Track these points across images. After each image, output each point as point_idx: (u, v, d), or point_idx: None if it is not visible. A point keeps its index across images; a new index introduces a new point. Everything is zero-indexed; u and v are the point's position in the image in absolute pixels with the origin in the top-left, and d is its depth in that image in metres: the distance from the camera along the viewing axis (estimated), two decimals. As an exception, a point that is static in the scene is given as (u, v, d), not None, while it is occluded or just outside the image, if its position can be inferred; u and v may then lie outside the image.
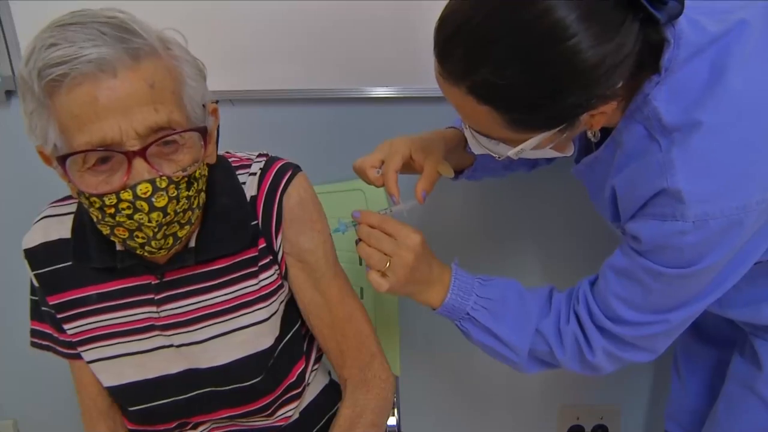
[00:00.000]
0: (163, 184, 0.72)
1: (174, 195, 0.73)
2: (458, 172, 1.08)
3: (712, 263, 0.74)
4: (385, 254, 0.85)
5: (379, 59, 1.24)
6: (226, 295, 0.87)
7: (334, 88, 1.28)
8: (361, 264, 1.18)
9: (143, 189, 0.71)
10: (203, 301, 0.87)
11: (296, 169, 0.91)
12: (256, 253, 0.87)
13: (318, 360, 1.04)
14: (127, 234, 0.75)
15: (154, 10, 1.16)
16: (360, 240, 0.88)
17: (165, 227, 0.75)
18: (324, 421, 1.04)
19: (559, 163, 1.10)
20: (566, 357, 0.89)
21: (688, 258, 0.74)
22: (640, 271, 0.79)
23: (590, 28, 0.64)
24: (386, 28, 1.21)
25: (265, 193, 0.87)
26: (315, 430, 1.03)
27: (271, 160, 0.90)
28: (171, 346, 0.88)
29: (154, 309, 0.87)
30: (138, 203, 0.71)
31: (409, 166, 0.96)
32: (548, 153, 0.81)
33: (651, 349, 0.86)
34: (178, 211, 0.75)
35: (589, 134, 0.86)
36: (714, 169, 0.71)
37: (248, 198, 0.87)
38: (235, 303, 0.88)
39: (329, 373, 1.09)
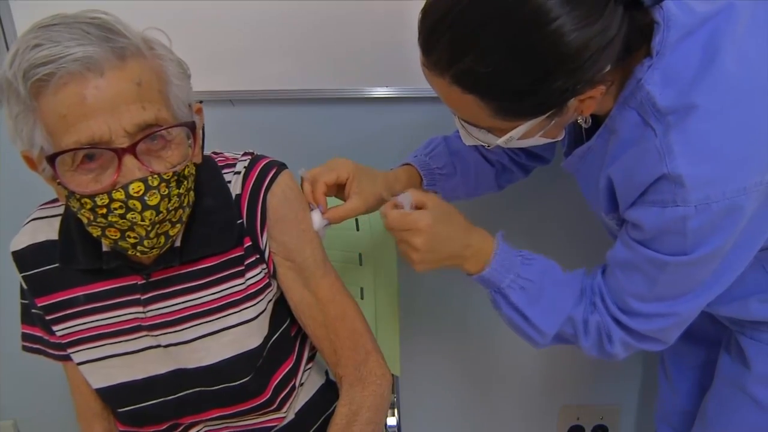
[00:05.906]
0: (155, 182, 0.72)
1: (165, 193, 0.73)
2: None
3: (715, 248, 0.74)
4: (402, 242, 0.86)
5: (378, 59, 1.24)
6: (212, 294, 0.87)
7: (333, 88, 1.28)
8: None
9: (135, 188, 0.71)
10: (190, 300, 0.87)
11: (281, 167, 0.90)
12: (242, 252, 0.87)
13: (311, 359, 1.04)
14: (118, 235, 0.74)
15: (154, 10, 1.17)
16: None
17: (158, 226, 0.75)
18: (321, 420, 1.04)
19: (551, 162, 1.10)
20: (589, 344, 0.89)
21: (690, 243, 0.74)
22: (643, 261, 0.79)
23: (573, 12, 0.63)
24: (385, 27, 1.21)
25: (249, 191, 0.87)
26: (312, 430, 1.03)
27: (255, 159, 0.90)
28: (158, 346, 0.88)
29: (140, 309, 0.86)
30: (131, 202, 0.71)
31: (341, 189, 0.96)
32: (539, 140, 0.80)
33: (664, 339, 0.87)
34: (170, 209, 0.75)
35: (580, 120, 0.85)
36: (713, 152, 0.71)
37: (233, 197, 0.87)
38: (222, 302, 0.87)
39: (326, 373, 1.08)
